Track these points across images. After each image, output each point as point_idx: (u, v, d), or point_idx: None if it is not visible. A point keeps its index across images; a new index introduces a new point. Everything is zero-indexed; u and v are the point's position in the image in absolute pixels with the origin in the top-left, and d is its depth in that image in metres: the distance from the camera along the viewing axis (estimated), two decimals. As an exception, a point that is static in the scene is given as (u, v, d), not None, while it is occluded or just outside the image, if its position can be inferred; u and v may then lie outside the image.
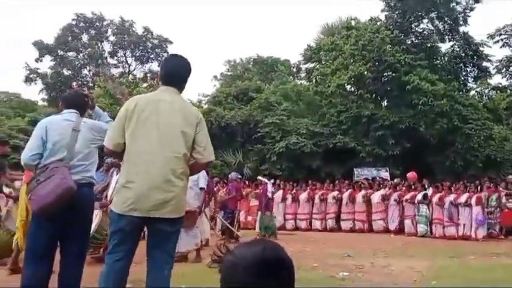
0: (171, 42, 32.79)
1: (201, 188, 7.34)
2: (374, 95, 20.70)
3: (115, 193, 2.99)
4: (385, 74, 20.29)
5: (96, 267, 5.94)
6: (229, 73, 33.59)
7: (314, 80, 22.28)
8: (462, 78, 22.06)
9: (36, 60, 30.82)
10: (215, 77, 33.77)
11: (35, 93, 31.51)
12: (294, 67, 30.55)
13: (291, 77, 28.46)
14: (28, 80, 30.64)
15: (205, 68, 54.71)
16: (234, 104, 22.45)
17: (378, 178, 15.80)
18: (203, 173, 7.40)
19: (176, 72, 3.12)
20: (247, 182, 15.41)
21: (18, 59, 60.18)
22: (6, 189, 6.64)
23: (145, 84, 27.12)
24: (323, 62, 22.51)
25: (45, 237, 3.24)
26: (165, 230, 2.92)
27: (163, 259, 2.95)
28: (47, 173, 3.16)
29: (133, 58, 33.70)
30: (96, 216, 6.12)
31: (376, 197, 13.47)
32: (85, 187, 3.30)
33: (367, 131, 19.03)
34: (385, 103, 21.26)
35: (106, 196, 6.68)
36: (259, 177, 13.29)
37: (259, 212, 11.62)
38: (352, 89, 20.85)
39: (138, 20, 35.83)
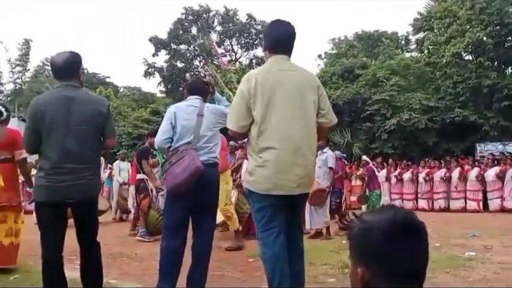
0: (273, 27, 33.10)
1: (330, 168, 7.42)
2: (496, 63, 18.83)
3: (251, 172, 2.97)
4: (509, 38, 18.32)
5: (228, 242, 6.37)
6: (333, 51, 32.93)
7: (426, 51, 20.91)
8: None
9: (153, 55, 33.26)
10: (319, 56, 33.34)
11: (153, 85, 34.37)
12: (402, 39, 28.94)
13: (399, 50, 27.01)
14: (147, 74, 33.25)
15: (309, 48, 54.27)
16: (340, 83, 22.04)
17: (505, 153, 14.42)
18: (331, 152, 7.54)
19: (284, 39, 3.01)
20: (345, 162, 15.15)
21: (136, 55, 65.49)
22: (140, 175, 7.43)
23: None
24: (435, 31, 20.98)
25: (179, 213, 3.53)
26: (299, 204, 2.97)
27: (299, 232, 3.00)
28: (178, 155, 3.46)
29: (239, 46, 34.72)
30: (233, 195, 6.63)
31: (491, 174, 12.33)
32: (211, 167, 3.53)
33: (489, 103, 17.45)
34: (509, 70, 19.24)
35: (240, 176, 7.15)
36: (364, 157, 13.02)
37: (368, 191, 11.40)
38: (470, 57, 19.20)
39: (241, 8, 36.71)
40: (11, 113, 4.65)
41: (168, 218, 3.63)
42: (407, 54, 26.10)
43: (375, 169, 11.87)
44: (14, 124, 16.28)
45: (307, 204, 6.85)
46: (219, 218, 7.21)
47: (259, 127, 2.83)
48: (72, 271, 3.36)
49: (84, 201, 3.07)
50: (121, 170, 10.47)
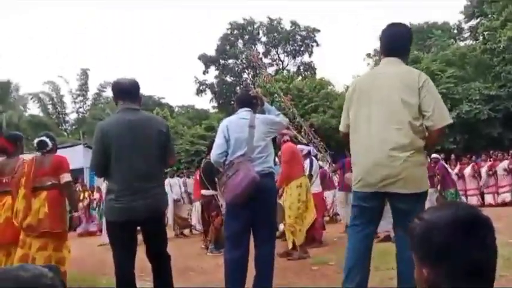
0: (318, 31, 33.00)
1: None
2: (560, 41, 17.60)
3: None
4: None
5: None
6: (382, 49, 32.14)
7: (481, 38, 19.94)
8: None
9: (203, 73, 34.15)
10: (368, 54, 32.75)
11: (205, 102, 35.09)
12: (454, 28, 27.80)
13: (452, 40, 25.94)
14: (199, 92, 34.15)
15: (357, 46, 53.49)
16: (392, 81, 21.43)
17: None
18: None
19: (393, 42, 3.05)
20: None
21: (187, 74, 67.31)
22: None
23: (299, 78, 27.82)
24: (489, 16, 19.97)
25: (239, 224, 3.60)
26: (399, 206, 2.91)
27: (402, 235, 2.87)
28: (233, 168, 3.54)
29: (285, 54, 34.85)
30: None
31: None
32: (266, 177, 3.58)
33: (557, 85, 16.31)
34: None
35: None
36: (433, 155, 12.54)
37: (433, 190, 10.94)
38: (531, 39, 18.05)
39: (285, 16, 36.76)
40: (56, 142, 4.78)
41: (229, 229, 3.71)
42: (462, 43, 25.02)
43: (447, 166, 11.38)
44: (79, 151, 16.94)
45: None
46: (281, 227, 7.21)
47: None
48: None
49: (154, 217, 3.24)
50: (172, 187, 10.56)
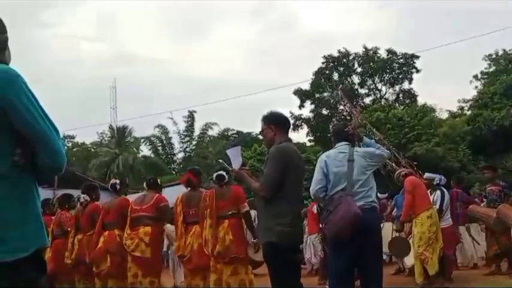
0: (417, 57, 31.72)
1: None
2: None
3: None
4: None
5: None
6: (490, 69, 29.99)
7: None
8: None
9: (299, 107, 34.44)
10: (475, 77, 30.69)
11: (302, 136, 35.13)
12: None
13: None
14: (295, 127, 34.34)
15: (461, 70, 50.33)
16: (504, 103, 19.80)
17: None
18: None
19: None
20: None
21: (283, 109, 68.36)
22: None
23: (401, 106, 26.83)
24: None
25: (343, 260, 3.52)
26: None
27: None
28: (334, 203, 3.50)
29: (382, 83, 33.97)
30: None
31: None
32: (369, 212, 3.49)
33: None
34: None
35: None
36: None
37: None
38: None
39: (382, 45, 35.73)
40: (232, 175, 5.16)
41: (333, 266, 3.67)
42: None
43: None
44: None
45: None
46: (410, 261, 6.90)
47: None
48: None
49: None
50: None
